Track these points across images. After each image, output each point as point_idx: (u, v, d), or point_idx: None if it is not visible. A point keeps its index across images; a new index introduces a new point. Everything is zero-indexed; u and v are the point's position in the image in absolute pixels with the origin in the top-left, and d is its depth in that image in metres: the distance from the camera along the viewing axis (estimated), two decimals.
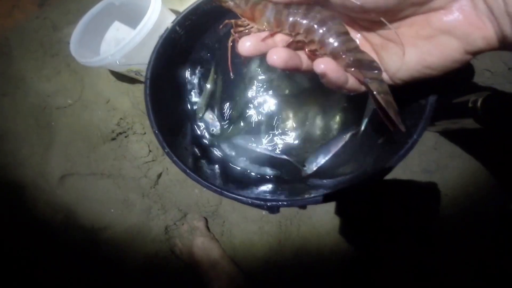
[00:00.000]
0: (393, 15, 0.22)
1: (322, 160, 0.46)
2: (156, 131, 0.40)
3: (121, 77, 0.79)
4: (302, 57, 0.27)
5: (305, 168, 0.46)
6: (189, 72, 0.56)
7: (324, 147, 0.47)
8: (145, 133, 0.71)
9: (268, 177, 0.49)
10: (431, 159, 0.59)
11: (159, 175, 0.69)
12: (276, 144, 0.51)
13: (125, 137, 0.73)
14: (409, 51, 0.23)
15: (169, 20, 0.49)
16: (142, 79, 0.70)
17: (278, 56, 0.24)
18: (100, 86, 0.81)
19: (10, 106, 0.85)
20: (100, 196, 0.70)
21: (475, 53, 0.21)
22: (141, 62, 0.61)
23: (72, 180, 0.73)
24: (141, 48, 0.57)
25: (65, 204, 0.71)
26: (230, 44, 0.31)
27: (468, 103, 0.45)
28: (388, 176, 0.33)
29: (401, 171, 0.59)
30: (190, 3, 0.46)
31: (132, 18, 0.73)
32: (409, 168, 0.59)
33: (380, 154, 0.37)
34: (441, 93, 0.31)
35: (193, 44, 0.54)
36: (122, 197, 0.69)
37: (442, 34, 0.21)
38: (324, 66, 0.24)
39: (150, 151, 0.69)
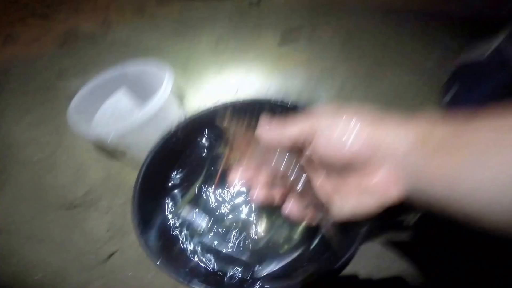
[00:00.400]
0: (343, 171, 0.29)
1: (275, 266, 0.49)
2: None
3: (101, 148, 0.74)
4: (275, 193, 0.34)
5: (260, 268, 0.48)
6: (175, 173, 0.55)
7: (281, 255, 0.50)
8: (107, 212, 0.66)
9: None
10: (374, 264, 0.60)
11: (111, 255, 0.61)
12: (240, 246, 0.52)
13: (84, 210, 0.65)
14: (347, 199, 0.29)
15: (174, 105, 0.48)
16: (125, 161, 0.65)
17: (257, 196, 0.33)
18: (76, 151, 0.77)
19: None
20: (31, 260, 0.60)
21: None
22: (131, 143, 0.57)
23: (4, 237, 0.64)
24: (136, 132, 0.56)
25: None
26: (220, 172, 0.49)
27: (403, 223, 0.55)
28: None
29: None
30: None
31: (135, 90, 0.73)
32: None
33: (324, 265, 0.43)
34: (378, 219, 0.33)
35: (187, 146, 0.56)
36: (57, 266, 0.59)
37: (366, 193, 0.27)
38: (288, 211, 0.33)
39: (107, 230, 0.63)
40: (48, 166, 0.73)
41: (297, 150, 0.32)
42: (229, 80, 0.94)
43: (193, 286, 0.38)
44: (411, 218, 0.54)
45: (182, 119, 0.52)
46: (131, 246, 0.59)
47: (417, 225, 0.54)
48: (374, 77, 0.96)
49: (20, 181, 0.70)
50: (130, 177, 0.70)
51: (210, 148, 0.56)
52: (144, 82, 0.73)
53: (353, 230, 0.39)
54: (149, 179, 0.47)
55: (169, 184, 0.54)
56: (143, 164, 0.47)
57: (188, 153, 0.56)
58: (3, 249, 0.61)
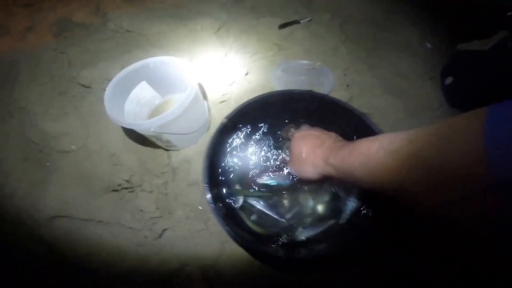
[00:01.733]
0: None
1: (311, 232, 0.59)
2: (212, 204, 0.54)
3: (130, 134, 0.80)
4: None
5: (297, 233, 0.59)
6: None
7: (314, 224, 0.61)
8: (152, 191, 0.72)
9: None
10: None
11: (164, 230, 0.68)
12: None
13: (129, 192, 0.72)
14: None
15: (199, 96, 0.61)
16: (163, 145, 0.72)
17: None
18: (106, 138, 0.81)
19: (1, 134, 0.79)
20: (91, 240, 0.67)
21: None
22: (171, 131, 0.64)
23: (62, 221, 0.69)
24: (176, 120, 0.61)
25: (51, 241, 0.67)
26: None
27: None
28: None
29: None
30: None
31: (157, 80, 0.78)
32: None
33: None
34: None
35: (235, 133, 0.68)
36: (117, 244, 0.66)
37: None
38: None
39: (157, 208, 0.69)
40: (84, 155, 0.77)
41: None
42: (237, 63, 0.99)
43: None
44: None
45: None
46: (180, 222, 0.67)
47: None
48: (376, 59, 1.04)
49: (64, 170, 0.74)
50: (162, 161, 0.76)
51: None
52: (163, 75, 0.77)
53: None
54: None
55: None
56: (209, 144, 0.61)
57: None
58: (67, 232, 0.67)
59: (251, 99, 0.65)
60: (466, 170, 0.22)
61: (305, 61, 0.97)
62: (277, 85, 0.90)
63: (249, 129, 0.70)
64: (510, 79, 0.81)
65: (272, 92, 0.66)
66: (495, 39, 0.90)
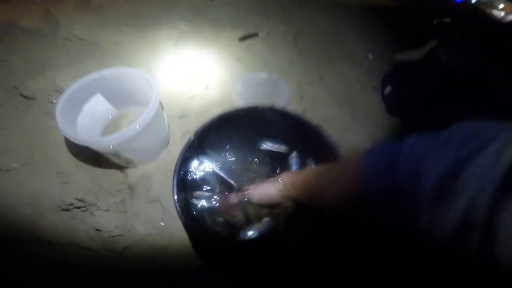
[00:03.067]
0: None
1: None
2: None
3: (80, 150, 0.75)
4: None
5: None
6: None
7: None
8: (109, 210, 0.68)
9: None
10: None
11: (125, 249, 0.65)
12: None
13: (82, 211, 0.67)
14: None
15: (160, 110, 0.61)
16: (120, 161, 0.69)
17: None
18: (53, 154, 0.76)
19: None
20: (41, 263, 0.61)
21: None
22: (131, 148, 0.61)
23: (6, 244, 0.62)
24: (136, 137, 0.60)
25: None
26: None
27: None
28: None
29: None
30: None
31: (113, 93, 0.75)
32: None
33: None
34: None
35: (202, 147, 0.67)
36: (71, 265, 0.61)
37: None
38: None
39: (116, 226, 0.66)
40: (28, 173, 0.70)
41: None
42: (197, 77, 0.98)
43: None
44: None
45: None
46: (142, 239, 0.65)
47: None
48: (325, 71, 1.11)
49: (6, 191, 0.66)
50: (117, 178, 0.73)
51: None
52: (120, 87, 0.74)
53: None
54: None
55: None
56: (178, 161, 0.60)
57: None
58: (11, 256, 0.60)
59: (216, 115, 0.65)
60: (351, 186, 0.38)
61: (263, 74, 1.01)
62: (238, 99, 0.91)
63: (214, 145, 0.71)
64: (439, 87, 0.91)
65: (236, 108, 0.67)
66: (426, 48, 1.00)
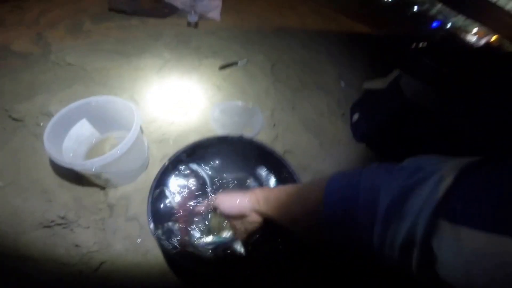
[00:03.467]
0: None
1: None
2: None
3: (64, 171, 0.80)
4: None
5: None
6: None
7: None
8: (88, 227, 0.73)
9: None
10: None
11: (101, 264, 0.69)
12: None
13: (63, 228, 0.72)
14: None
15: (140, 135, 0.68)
16: (100, 182, 0.75)
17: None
18: (38, 174, 0.81)
19: None
20: (18, 279, 0.65)
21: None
22: (112, 170, 0.68)
23: None
24: (118, 160, 0.66)
25: None
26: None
27: None
28: None
29: None
30: None
31: (97, 118, 0.82)
32: None
33: None
34: None
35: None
36: (48, 281, 0.65)
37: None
38: None
39: (94, 242, 0.71)
40: (13, 191, 0.75)
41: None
42: (177, 104, 1.06)
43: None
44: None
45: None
46: (119, 255, 0.70)
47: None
48: (299, 99, 1.23)
49: None
50: (98, 197, 0.78)
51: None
52: (104, 113, 0.81)
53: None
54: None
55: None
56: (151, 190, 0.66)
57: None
58: None
59: (190, 143, 0.74)
60: (314, 210, 0.41)
61: (239, 102, 1.11)
62: (215, 125, 1.00)
63: (187, 170, 0.78)
64: (402, 116, 0.97)
65: (209, 137, 0.76)
66: (390, 77, 1.07)
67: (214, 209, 0.66)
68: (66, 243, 0.70)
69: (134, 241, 0.72)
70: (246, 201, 0.58)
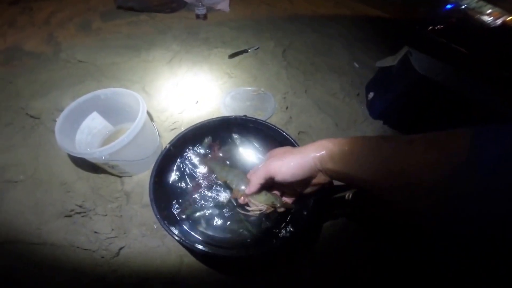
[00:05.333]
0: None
1: None
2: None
3: (82, 163, 0.82)
4: None
5: None
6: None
7: None
8: (106, 215, 0.74)
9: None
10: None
11: (120, 249, 0.70)
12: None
13: (82, 216, 0.73)
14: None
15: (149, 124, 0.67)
16: (115, 171, 0.75)
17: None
18: (57, 168, 0.83)
19: None
20: (45, 264, 0.67)
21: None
22: (122, 159, 0.68)
23: (12, 247, 0.68)
24: (126, 148, 0.66)
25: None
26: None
27: (345, 197, 0.71)
28: None
29: None
30: None
31: (108, 111, 0.83)
32: None
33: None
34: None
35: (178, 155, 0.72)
36: (72, 266, 0.67)
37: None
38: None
39: (112, 229, 0.71)
40: (34, 184, 0.77)
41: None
42: (188, 92, 1.06)
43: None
44: (348, 195, 0.70)
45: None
46: (136, 240, 0.70)
47: (354, 200, 0.69)
48: (312, 81, 1.19)
49: (11, 199, 0.73)
50: (115, 186, 0.79)
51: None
52: (114, 105, 0.82)
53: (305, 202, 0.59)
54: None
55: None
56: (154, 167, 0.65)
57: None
58: (17, 258, 0.65)
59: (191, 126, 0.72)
60: (454, 164, 0.29)
61: (251, 88, 1.09)
62: (225, 111, 0.99)
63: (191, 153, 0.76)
64: (412, 91, 0.95)
65: (210, 119, 0.73)
66: (400, 54, 1.05)
67: (269, 180, 0.51)
68: (86, 230, 0.71)
69: (150, 227, 0.72)
70: (311, 160, 0.45)
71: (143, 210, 0.74)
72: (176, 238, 0.55)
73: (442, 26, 1.51)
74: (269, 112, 0.98)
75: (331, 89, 1.18)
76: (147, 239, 0.70)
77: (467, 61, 1.17)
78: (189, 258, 0.70)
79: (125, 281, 0.65)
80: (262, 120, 0.72)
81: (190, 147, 0.74)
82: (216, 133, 0.75)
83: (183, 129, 0.91)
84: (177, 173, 0.71)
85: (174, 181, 0.70)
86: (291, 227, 0.62)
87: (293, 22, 1.61)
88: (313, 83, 1.20)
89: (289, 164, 0.47)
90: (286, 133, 0.69)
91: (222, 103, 1.01)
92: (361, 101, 1.15)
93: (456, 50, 1.22)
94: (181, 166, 0.72)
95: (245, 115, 0.73)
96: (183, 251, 0.70)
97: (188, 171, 0.72)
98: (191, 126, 0.71)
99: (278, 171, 0.48)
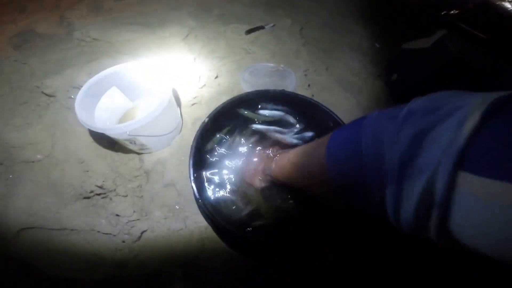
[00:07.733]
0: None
1: None
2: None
3: (98, 140, 0.76)
4: None
5: None
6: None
7: None
8: (126, 195, 0.69)
9: None
10: None
11: (143, 232, 0.65)
12: None
13: (102, 198, 0.67)
14: None
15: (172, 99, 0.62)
16: (135, 147, 0.69)
17: None
18: (74, 145, 0.77)
19: None
20: (66, 250, 0.62)
21: None
22: (146, 134, 0.62)
23: (32, 233, 0.64)
24: (151, 123, 0.60)
25: (21, 256, 0.61)
26: None
27: None
28: None
29: None
30: None
31: (127, 86, 0.76)
32: None
33: None
34: None
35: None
36: (93, 251, 0.62)
37: None
38: None
39: (134, 211, 0.66)
40: (51, 163, 0.72)
41: None
42: (206, 67, 0.98)
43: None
44: None
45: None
46: (158, 222, 0.65)
47: None
48: (332, 60, 1.09)
49: (29, 180, 0.68)
50: (134, 164, 0.73)
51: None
52: (133, 80, 0.75)
53: None
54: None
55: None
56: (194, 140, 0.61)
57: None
58: (38, 244, 0.61)
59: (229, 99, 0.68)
60: (318, 170, 0.37)
61: (270, 64, 0.99)
62: (245, 87, 0.91)
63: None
64: (447, 74, 0.89)
65: (248, 92, 0.68)
66: (434, 37, 0.97)
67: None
68: (107, 213, 0.66)
69: (172, 208, 0.66)
70: (259, 167, 0.56)
71: (164, 190, 0.68)
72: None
73: (457, 11, 1.38)
74: (290, 89, 0.90)
75: (354, 68, 1.08)
76: (169, 221, 0.65)
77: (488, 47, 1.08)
78: (212, 241, 0.64)
79: (146, 266, 0.61)
80: (303, 96, 0.67)
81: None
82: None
83: (203, 104, 0.85)
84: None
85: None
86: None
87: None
88: (334, 61, 1.10)
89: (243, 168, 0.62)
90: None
91: (241, 79, 0.93)
92: (383, 82, 1.06)
93: (475, 36, 1.12)
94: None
95: (283, 89, 0.66)
96: (205, 233, 0.65)
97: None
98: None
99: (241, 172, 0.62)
